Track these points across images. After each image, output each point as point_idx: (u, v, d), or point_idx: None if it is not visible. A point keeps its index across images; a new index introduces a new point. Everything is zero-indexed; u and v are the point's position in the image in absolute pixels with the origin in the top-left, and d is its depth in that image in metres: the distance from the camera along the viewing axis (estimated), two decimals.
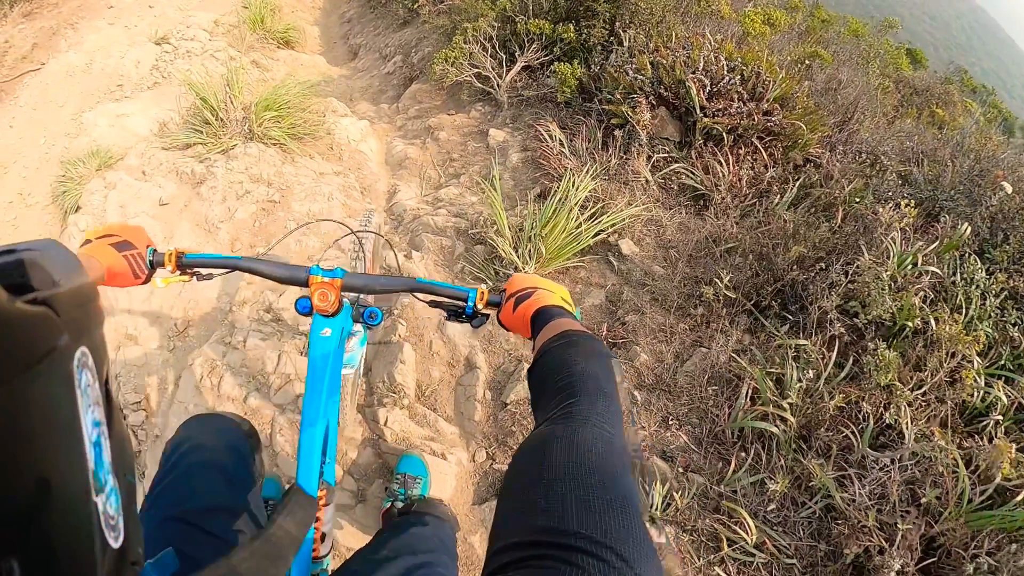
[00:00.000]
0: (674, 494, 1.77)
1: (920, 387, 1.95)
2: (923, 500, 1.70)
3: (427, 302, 1.00)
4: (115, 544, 0.30)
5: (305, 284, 0.94)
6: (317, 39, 5.32)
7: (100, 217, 3.03)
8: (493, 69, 3.58)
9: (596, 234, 2.38)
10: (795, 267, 2.29)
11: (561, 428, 0.54)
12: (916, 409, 1.90)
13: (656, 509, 1.77)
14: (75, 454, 0.27)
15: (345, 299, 1.01)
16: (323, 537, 1.07)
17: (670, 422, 2.08)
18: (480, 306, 0.95)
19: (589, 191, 2.39)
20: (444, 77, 3.57)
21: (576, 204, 2.33)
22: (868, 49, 4.93)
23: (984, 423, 1.90)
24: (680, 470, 1.92)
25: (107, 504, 0.29)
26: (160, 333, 2.42)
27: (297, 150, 3.40)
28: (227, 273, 1.02)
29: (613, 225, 2.43)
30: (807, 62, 3.90)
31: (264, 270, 0.96)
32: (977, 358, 2.01)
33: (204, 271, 1.00)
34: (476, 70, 3.62)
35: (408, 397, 2.00)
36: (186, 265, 0.97)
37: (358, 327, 1.26)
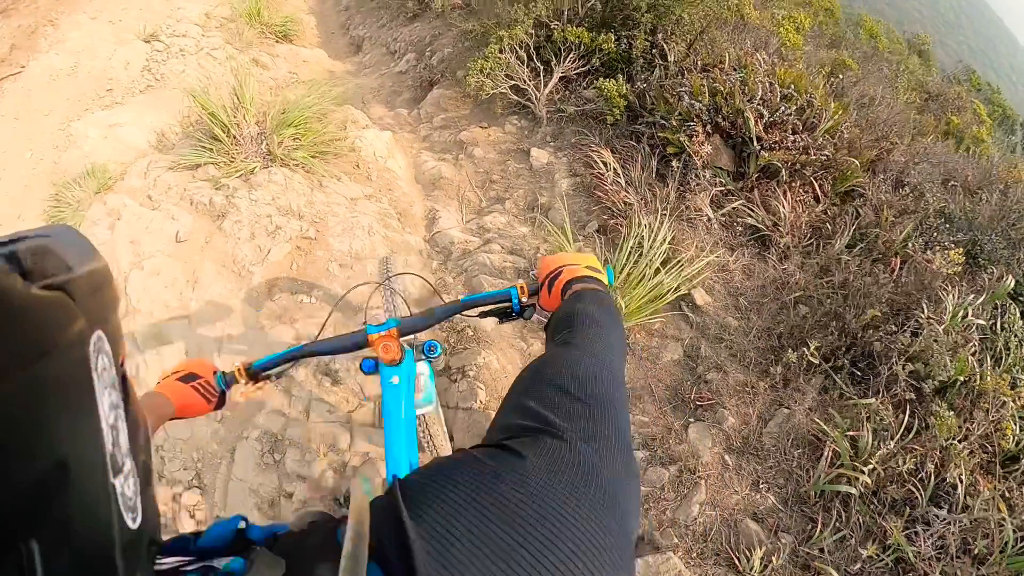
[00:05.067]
0: (771, 556, 1.80)
1: (967, 438, 2.06)
2: (975, 550, 1.84)
3: (478, 315, 1.04)
4: (133, 525, 0.30)
5: (366, 344, 1.00)
6: (314, 29, 4.89)
7: (108, 254, 2.71)
8: (530, 80, 3.36)
9: (676, 287, 2.28)
10: (869, 329, 2.28)
11: (554, 349, 0.63)
12: (966, 458, 1.99)
13: (755, 572, 1.80)
14: (92, 437, 0.27)
15: (405, 344, 1.07)
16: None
17: (760, 485, 2.07)
18: (524, 299, 0.98)
19: (668, 243, 2.28)
20: (480, 89, 3.33)
21: (656, 258, 2.22)
22: (897, 65, 4.89)
23: (1018, 467, 2.04)
24: (771, 531, 1.94)
25: (125, 486, 0.30)
26: None
27: (323, 171, 3.12)
28: (296, 365, 1.05)
29: (691, 279, 2.34)
30: (840, 76, 3.83)
31: (326, 349, 1.01)
32: (1014, 405, 2.11)
33: (275, 372, 1.05)
34: (512, 82, 3.39)
35: None
36: (256, 374, 1.02)
37: (422, 365, 1.34)
